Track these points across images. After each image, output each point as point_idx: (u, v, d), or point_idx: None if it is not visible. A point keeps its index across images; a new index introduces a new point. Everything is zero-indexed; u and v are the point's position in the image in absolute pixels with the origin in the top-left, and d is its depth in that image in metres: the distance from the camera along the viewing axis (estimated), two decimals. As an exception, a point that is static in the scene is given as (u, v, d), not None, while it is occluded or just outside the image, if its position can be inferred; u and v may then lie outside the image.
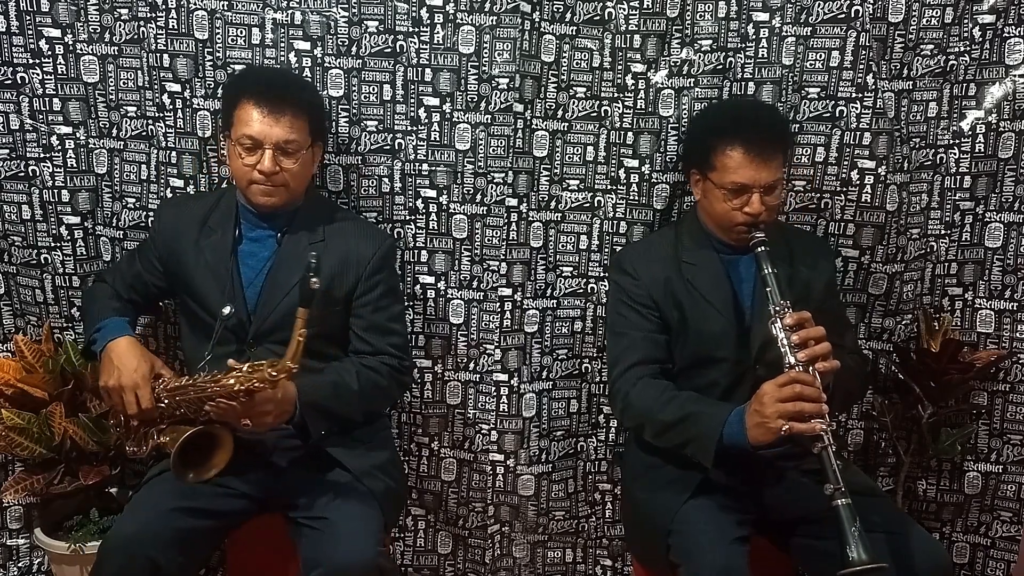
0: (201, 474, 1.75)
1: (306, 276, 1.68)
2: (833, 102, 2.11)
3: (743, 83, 2.13)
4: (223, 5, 2.04)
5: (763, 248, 1.83)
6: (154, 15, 2.05)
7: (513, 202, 2.16)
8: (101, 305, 1.96)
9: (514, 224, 2.17)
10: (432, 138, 2.13)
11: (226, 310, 1.82)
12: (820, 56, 2.10)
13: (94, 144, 2.14)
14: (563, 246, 2.22)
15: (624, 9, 2.09)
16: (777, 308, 1.75)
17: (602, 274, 2.23)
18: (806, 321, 1.74)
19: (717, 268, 1.94)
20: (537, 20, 2.08)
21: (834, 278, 2.12)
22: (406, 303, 2.19)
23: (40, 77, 2.07)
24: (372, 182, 2.16)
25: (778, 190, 1.88)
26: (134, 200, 2.16)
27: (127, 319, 1.94)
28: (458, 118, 2.12)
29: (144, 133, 2.13)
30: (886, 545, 1.75)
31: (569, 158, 2.18)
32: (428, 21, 2.07)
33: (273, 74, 2.02)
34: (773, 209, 1.89)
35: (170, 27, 2.05)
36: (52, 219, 2.15)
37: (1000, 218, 2.20)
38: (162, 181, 2.14)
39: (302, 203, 1.94)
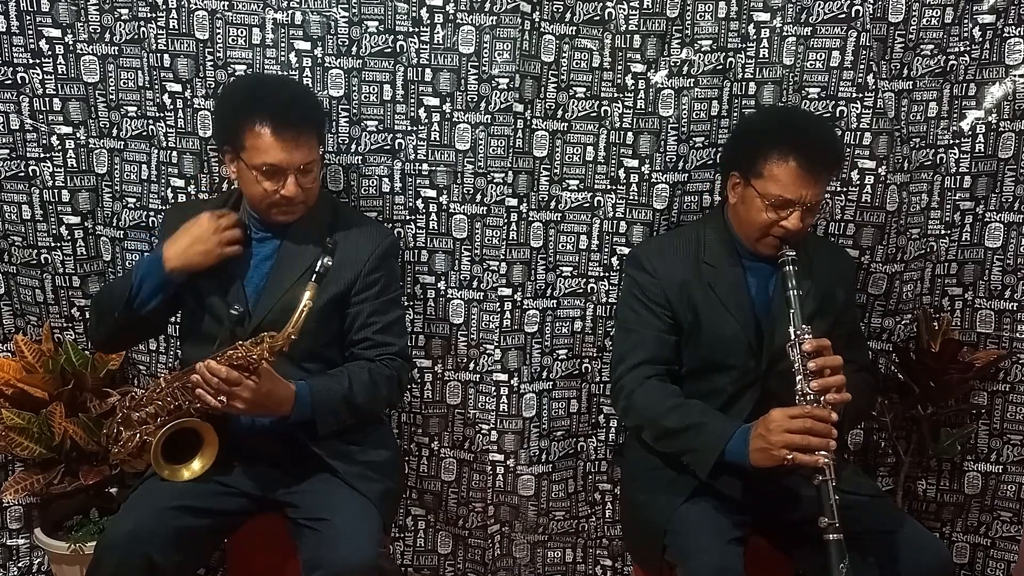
0: (185, 471, 1.77)
1: (320, 258, 1.72)
2: (833, 102, 2.11)
3: (743, 83, 2.13)
4: (223, 5, 2.04)
5: (791, 267, 1.78)
6: (154, 15, 2.05)
7: (513, 202, 2.16)
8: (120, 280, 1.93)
9: (514, 224, 2.17)
10: (432, 138, 2.13)
11: (234, 310, 1.82)
12: (820, 56, 2.10)
13: (94, 144, 2.14)
14: (563, 246, 2.22)
15: (624, 9, 2.09)
16: (798, 333, 1.72)
17: (602, 274, 2.23)
18: (825, 349, 1.71)
19: (738, 273, 1.91)
20: (537, 20, 2.08)
21: (854, 292, 2.11)
22: (406, 303, 2.19)
23: (40, 77, 2.07)
24: (372, 182, 2.15)
25: (818, 209, 1.84)
26: (134, 200, 2.16)
27: None
28: (458, 118, 2.12)
29: (144, 133, 2.13)
30: (887, 545, 1.75)
31: (569, 158, 2.18)
32: (428, 21, 2.07)
33: (286, 94, 1.86)
34: (808, 226, 1.86)
35: (170, 27, 2.05)
36: (52, 219, 2.15)
37: (1000, 218, 2.20)
38: (163, 181, 2.14)
39: None
